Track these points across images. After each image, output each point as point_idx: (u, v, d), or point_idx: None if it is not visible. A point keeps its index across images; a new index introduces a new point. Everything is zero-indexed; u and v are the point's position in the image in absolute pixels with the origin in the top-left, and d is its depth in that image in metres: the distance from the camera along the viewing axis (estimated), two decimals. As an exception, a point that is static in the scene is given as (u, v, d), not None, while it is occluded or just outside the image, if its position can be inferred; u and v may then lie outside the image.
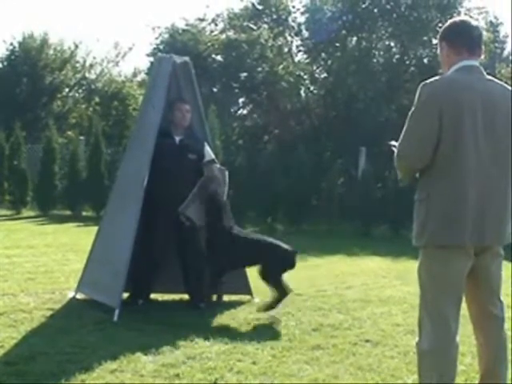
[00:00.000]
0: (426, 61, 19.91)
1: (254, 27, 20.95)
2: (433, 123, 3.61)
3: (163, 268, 6.82)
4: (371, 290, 7.93)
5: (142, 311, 6.46)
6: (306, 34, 21.11)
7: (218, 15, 21.86)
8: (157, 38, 21.85)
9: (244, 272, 7.06)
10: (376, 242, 13.34)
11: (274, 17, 21.26)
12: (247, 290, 7.09)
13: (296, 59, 21.63)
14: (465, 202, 3.61)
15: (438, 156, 3.63)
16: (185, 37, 20.92)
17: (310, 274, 8.90)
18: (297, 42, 21.67)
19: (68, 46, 24.88)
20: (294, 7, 21.29)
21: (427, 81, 3.70)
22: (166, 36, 21.69)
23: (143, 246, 6.52)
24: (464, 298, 3.79)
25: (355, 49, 20.05)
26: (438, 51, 3.94)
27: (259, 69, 20.11)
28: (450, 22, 3.93)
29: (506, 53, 25.86)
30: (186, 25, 21.77)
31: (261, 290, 7.20)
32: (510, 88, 3.82)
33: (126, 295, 6.65)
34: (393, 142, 3.89)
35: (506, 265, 4.02)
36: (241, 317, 6.31)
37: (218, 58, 20.83)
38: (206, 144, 7.00)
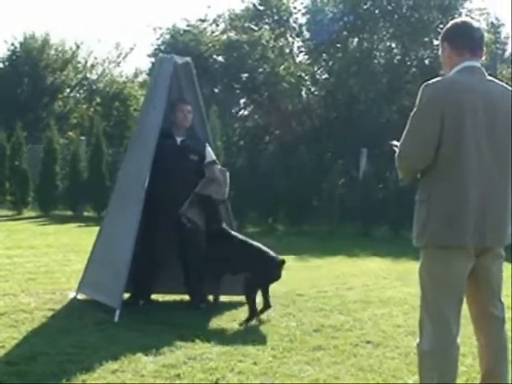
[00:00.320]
0: (427, 62, 19.90)
1: (256, 28, 20.94)
2: (434, 124, 3.62)
3: (164, 268, 6.83)
4: (372, 291, 7.93)
5: (143, 312, 6.47)
6: (307, 34, 21.10)
7: (219, 16, 21.87)
8: (158, 39, 21.87)
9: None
10: (377, 243, 13.34)
11: (276, 18, 21.25)
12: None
13: (297, 60, 21.63)
14: (466, 202, 3.62)
15: (439, 157, 3.64)
16: (186, 37, 20.92)
17: (311, 275, 8.91)
18: (298, 42, 21.69)
19: (69, 47, 24.89)
20: (295, 8, 21.29)
21: (429, 82, 3.71)
22: (168, 37, 21.69)
23: (144, 246, 6.53)
24: (465, 299, 3.79)
25: (356, 50, 20.05)
26: (440, 52, 3.94)
27: (260, 70, 20.10)
28: (451, 23, 3.93)
29: (507, 54, 25.83)
30: (188, 25, 21.77)
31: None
32: (510, 88, 3.82)
33: (126, 296, 6.66)
34: (394, 142, 3.90)
35: (506, 266, 4.01)
36: (242, 317, 6.29)
37: (220, 58, 20.81)
38: (207, 145, 7.01)
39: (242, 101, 22.40)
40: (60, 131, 19.24)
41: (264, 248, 6.54)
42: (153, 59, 21.72)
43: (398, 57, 20.61)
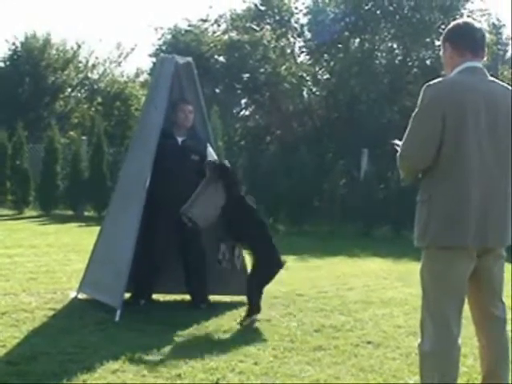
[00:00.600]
0: (428, 62, 19.90)
1: (257, 28, 20.95)
2: (436, 125, 3.62)
3: (165, 268, 6.82)
4: (373, 292, 7.92)
5: (144, 311, 6.47)
6: (308, 35, 21.11)
7: (220, 16, 21.87)
8: (159, 39, 21.90)
9: (245, 273, 7.05)
10: (377, 243, 13.33)
11: (277, 18, 21.26)
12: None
13: (298, 60, 21.63)
14: (467, 202, 3.61)
15: (440, 157, 3.64)
16: (187, 37, 20.93)
17: (312, 275, 8.91)
18: (299, 43, 21.71)
19: (70, 46, 24.89)
20: (296, 8, 21.32)
21: (430, 82, 3.71)
22: (169, 37, 21.71)
23: (145, 246, 6.52)
24: (466, 300, 3.79)
25: (358, 50, 20.05)
26: (441, 53, 3.94)
27: (262, 70, 20.11)
28: (453, 23, 3.93)
29: (508, 55, 25.83)
30: (189, 25, 21.78)
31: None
32: (511, 89, 3.82)
33: (127, 295, 6.65)
34: (396, 141, 3.90)
35: (507, 266, 4.01)
36: (243, 317, 6.30)
37: (221, 58, 20.82)
38: (208, 145, 7.00)
39: (243, 101, 22.41)
40: (61, 131, 19.24)
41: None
42: (154, 59, 21.74)
43: (400, 57, 20.61)
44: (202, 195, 6.58)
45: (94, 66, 25.63)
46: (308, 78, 20.95)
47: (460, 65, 3.77)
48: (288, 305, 6.68)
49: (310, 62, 21.35)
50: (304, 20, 21.13)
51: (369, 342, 5.58)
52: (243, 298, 6.96)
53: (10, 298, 6.68)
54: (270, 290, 6.89)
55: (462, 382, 4.46)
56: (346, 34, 20.11)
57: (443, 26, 17.31)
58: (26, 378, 4.43)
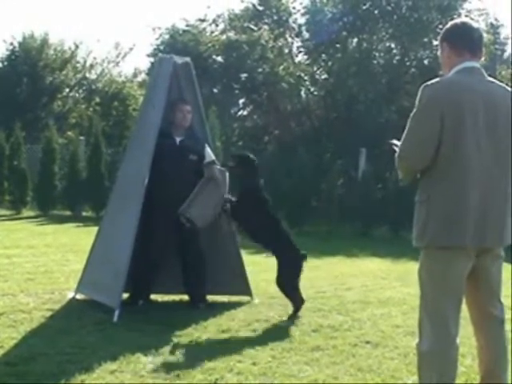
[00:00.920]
0: (426, 62, 19.91)
1: (255, 28, 20.94)
2: (434, 125, 3.62)
3: (163, 268, 6.82)
4: (371, 292, 7.92)
5: (142, 312, 6.46)
6: (306, 35, 21.11)
7: (218, 16, 21.88)
8: (157, 39, 21.87)
9: (244, 273, 7.06)
10: (376, 243, 13.34)
11: (275, 18, 21.26)
12: (247, 291, 7.08)
13: (296, 60, 21.63)
14: (466, 202, 3.61)
15: (439, 157, 3.64)
16: (185, 37, 20.91)
17: (310, 275, 8.85)
18: (297, 43, 21.71)
19: (68, 46, 24.87)
20: (294, 8, 21.32)
21: (428, 82, 3.71)
22: (167, 37, 21.68)
23: (143, 246, 6.52)
24: (464, 300, 3.79)
25: (356, 50, 20.06)
26: (439, 53, 3.94)
27: (260, 70, 20.09)
28: (451, 23, 3.93)
29: (506, 54, 25.91)
30: (187, 25, 21.76)
31: (260, 291, 7.21)
32: (510, 89, 3.83)
33: (126, 296, 6.65)
34: (394, 141, 3.90)
35: (506, 266, 4.01)
36: (240, 317, 6.30)
37: (219, 58, 20.81)
38: (206, 145, 7.00)
39: (241, 101, 22.41)
40: (59, 131, 19.22)
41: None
42: (152, 59, 21.74)
43: (398, 57, 20.62)
44: (200, 195, 6.59)
45: (91, 66, 25.61)
46: (306, 78, 20.94)
47: (458, 65, 3.77)
48: (286, 305, 6.67)
49: (307, 61, 21.35)
50: (302, 20, 21.17)
51: (367, 342, 5.58)
52: (241, 298, 6.97)
53: (7, 299, 6.67)
54: (268, 290, 6.90)
55: (461, 382, 4.46)
56: (344, 33, 20.12)
57: (441, 26, 17.34)
58: (25, 378, 4.42)
